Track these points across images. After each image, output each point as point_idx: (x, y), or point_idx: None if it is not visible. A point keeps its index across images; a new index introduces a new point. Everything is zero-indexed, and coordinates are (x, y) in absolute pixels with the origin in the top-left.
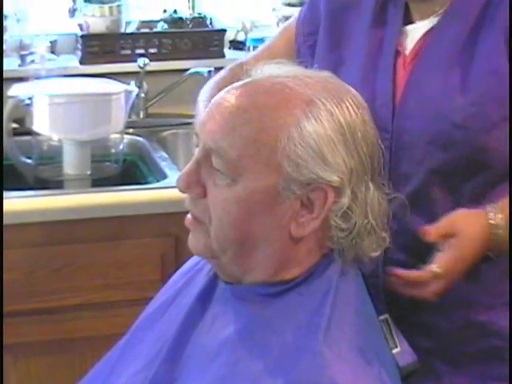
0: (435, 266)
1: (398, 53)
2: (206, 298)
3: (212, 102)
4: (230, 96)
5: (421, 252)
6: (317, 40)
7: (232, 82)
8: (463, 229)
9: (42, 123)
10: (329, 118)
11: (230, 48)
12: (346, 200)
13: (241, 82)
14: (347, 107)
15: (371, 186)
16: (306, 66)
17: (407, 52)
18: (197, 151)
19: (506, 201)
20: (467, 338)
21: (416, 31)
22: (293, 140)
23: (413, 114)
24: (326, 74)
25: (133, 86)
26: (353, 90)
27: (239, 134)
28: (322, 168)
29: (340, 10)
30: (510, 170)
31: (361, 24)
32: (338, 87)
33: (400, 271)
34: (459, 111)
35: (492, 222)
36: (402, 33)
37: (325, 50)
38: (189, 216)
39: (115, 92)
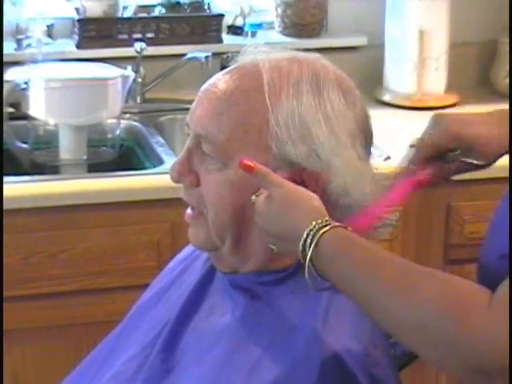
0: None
1: None
2: (203, 287)
3: (201, 89)
4: (217, 82)
5: None
6: None
7: None
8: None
9: (38, 108)
10: (314, 99)
11: (228, 33)
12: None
13: (227, 69)
14: (331, 89)
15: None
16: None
17: None
18: (188, 140)
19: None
20: None
21: None
22: (279, 121)
23: None
24: (311, 56)
25: (130, 71)
26: (336, 71)
27: (227, 117)
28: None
29: None
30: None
31: None
32: (322, 68)
33: None
34: None
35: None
36: None
37: None
38: (188, 211)
39: (112, 77)
